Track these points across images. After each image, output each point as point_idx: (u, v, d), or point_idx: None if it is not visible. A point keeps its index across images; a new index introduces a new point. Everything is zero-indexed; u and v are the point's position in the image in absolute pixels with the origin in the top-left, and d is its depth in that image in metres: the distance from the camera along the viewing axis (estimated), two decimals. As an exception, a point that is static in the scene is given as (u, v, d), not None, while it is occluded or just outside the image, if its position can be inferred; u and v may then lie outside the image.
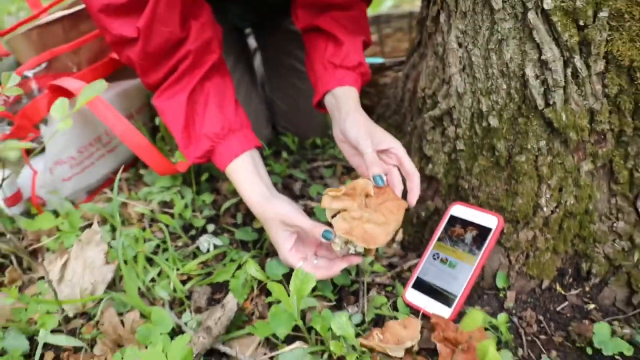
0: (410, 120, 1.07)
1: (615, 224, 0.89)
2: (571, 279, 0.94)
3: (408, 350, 0.82)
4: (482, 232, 0.91)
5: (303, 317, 0.93)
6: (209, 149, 0.96)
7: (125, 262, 0.89)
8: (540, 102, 0.82)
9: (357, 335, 0.86)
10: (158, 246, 1.08)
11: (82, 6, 1.16)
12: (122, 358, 0.79)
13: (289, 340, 0.88)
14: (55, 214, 1.13)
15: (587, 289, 0.93)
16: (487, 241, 0.90)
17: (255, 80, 1.40)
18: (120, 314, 0.91)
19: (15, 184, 1.09)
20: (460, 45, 0.87)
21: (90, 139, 1.18)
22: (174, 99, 0.93)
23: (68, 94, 1.05)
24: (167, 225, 1.09)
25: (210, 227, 1.15)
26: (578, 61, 0.77)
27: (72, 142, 1.13)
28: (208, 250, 1.08)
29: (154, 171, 1.11)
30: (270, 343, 0.90)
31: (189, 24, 0.91)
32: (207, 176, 1.22)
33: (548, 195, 0.88)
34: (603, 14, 0.73)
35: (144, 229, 1.08)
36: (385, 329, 0.83)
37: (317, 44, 0.99)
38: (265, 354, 0.87)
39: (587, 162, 0.86)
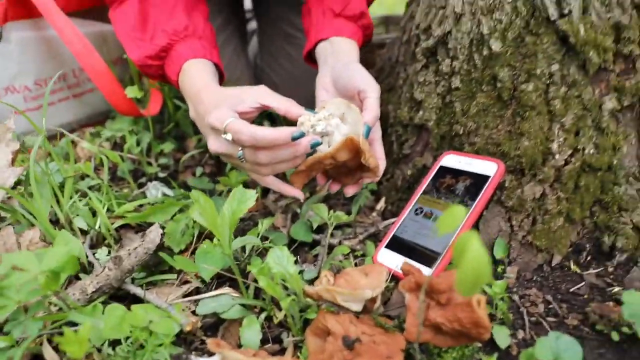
0: (403, 72, 0.93)
1: (647, 185, 0.70)
2: (589, 257, 0.74)
3: (368, 308, 0.61)
4: (478, 180, 0.73)
5: (244, 268, 0.74)
6: (165, 46, 0.82)
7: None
8: (552, 12, 0.67)
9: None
10: (98, 187, 0.93)
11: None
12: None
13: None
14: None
15: (610, 268, 0.72)
16: (484, 190, 0.72)
17: (244, 46, 1.31)
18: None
19: (-45, 103, 0.98)
20: (459, -45, 0.75)
21: (52, 74, 1.07)
22: (126, 2, 0.82)
23: (32, 10, 0.96)
24: (113, 165, 0.94)
25: (164, 177, 0.99)
26: (600, -43, 0.63)
27: (29, 69, 1.02)
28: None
29: (111, 104, 0.98)
30: (201, 294, 0.71)
31: None
32: (172, 127, 1.08)
33: (561, 139, 0.71)
34: None
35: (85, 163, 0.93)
36: (341, 275, 0.64)
37: None
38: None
39: (610, 98, 0.69)
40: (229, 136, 0.67)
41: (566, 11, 0.66)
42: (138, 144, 0.99)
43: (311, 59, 0.92)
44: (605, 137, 0.71)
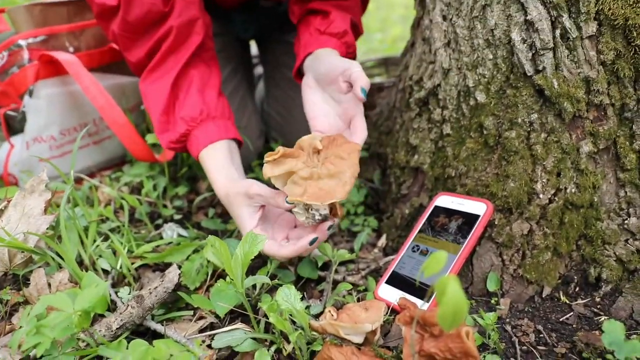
0: (400, 117, 1.01)
1: (626, 221, 0.76)
2: (577, 288, 0.79)
3: (368, 340, 0.67)
4: (469, 219, 0.80)
5: (255, 304, 0.79)
6: (184, 132, 0.92)
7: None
8: (528, 69, 0.75)
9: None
10: (118, 229, 1.00)
11: None
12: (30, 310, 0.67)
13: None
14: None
15: (597, 299, 0.77)
16: (474, 228, 0.78)
17: (252, 92, 1.40)
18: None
19: (-12, 154, 1.07)
20: (444, 18, 0.84)
21: (76, 124, 1.16)
22: (158, 82, 0.92)
23: (60, 68, 1.06)
24: (132, 208, 1.02)
25: (179, 219, 1.06)
26: (567, 21, 0.72)
27: (55, 120, 1.12)
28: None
29: (130, 153, 1.06)
30: (215, 329, 0.76)
31: (174, 1, 0.91)
32: (186, 171, 1.16)
33: (544, 180, 0.78)
34: (590, -34, 0.69)
35: (106, 207, 1.01)
36: (343, 310, 0.69)
37: (307, 20, 0.98)
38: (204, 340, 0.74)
39: (587, 143, 0.76)
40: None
41: (540, 68, 0.74)
42: (155, 188, 1.07)
43: (300, 77, 1.00)
44: (584, 177, 0.77)
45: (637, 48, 0.70)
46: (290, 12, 1.07)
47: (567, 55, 0.73)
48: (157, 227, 1.04)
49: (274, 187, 0.79)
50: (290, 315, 0.67)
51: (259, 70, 1.65)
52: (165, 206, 1.09)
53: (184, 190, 1.11)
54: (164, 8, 0.90)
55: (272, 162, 0.74)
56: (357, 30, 1.00)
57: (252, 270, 0.89)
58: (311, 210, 0.75)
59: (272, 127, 1.37)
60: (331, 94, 0.86)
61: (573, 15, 0.72)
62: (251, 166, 1.29)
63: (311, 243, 0.77)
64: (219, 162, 0.90)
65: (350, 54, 0.96)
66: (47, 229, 0.80)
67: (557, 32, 0.73)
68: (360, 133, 0.80)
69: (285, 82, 1.32)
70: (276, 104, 1.34)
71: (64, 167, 1.16)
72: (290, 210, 0.79)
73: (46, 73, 1.06)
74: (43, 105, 1.08)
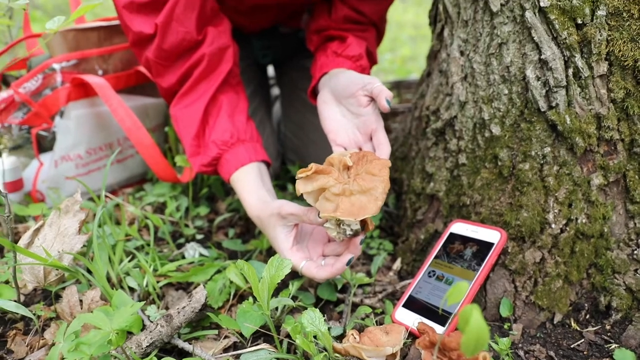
0: (415, 145, 1.05)
1: (635, 251, 0.80)
2: (588, 315, 0.82)
3: (389, 362, 0.70)
4: (483, 247, 0.83)
5: (277, 324, 0.83)
6: (216, 156, 0.96)
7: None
8: (542, 105, 0.79)
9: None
10: (142, 247, 1.03)
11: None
12: (67, 328, 0.71)
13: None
14: (50, 210, 1.12)
15: (607, 326, 0.79)
16: (489, 256, 0.81)
17: (270, 113, 1.45)
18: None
19: (19, 171, 1.11)
20: (462, 53, 0.88)
21: (101, 143, 1.21)
22: (190, 107, 0.96)
23: (89, 90, 1.10)
24: (155, 227, 1.06)
25: (201, 238, 1.10)
26: (579, 61, 0.76)
27: (83, 140, 1.16)
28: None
29: (154, 173, 1.11)
30: (238, 348, 0.79)
31: (206, 30, 0.97)
32: (206, 191, 1.20)
33: (556, 210, 0.81)
34: (601, 12, 0.73)
35: (130, 225, 1.04)
36: (365, 333, 0.73)
37: (325, 45, 1.03)
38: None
39: (597, 175, 0.80)
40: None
41: (554, 104, 0.78)
42: (177, 209, 1.11)
43: (314, 96, 1.04)
44: (595, 208, 0.81)
45: (646, 88, 0.74)
46: (308, 40, 1.12)
47: (579, 93, 0.77)
48: (179, 246, 1.08)
49: (304, 204, 0.83)
50: (314, 337, 0.71)
51: (275, 91, 1.70)
52: (187, 226, 1.12)
53: (205, 211, 1.15)
54: (198, 37, 0.95)
55: (304, 178, 0.77)
56: (372, 58, 1.05)
57: (274, 291, 0.93)
58: (343, 225, 0.78)
59: (288, 148, 1.41)
60: (348, 107, 0.89)
61: (585, 56, 0.76)
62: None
63: (348, 263, 0.80)
64: (250, 184, 0.94)
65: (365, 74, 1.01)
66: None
67: (570, 70, 0.77)
68: (385, 148, 0.83)
69: (302, 105, 1.36)
70: (293, 126, 1.39)
71: (90, 185, 1.20)
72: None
73: (77, 95, 1.11)
74: (72, 125, 1.12)
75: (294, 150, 1.39)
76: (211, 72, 0.99)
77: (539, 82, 0.79)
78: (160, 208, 1.16)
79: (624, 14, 0.73)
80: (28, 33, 1.15)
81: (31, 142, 1.11)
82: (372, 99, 0.86)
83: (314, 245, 0.87)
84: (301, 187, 0.77)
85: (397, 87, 1.80)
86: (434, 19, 0.99)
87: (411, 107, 1.15)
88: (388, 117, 1.42)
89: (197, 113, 0.97)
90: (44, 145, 1.14)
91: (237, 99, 1.03)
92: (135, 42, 0.96)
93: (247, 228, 1.16)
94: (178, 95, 0.99)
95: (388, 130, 1.39)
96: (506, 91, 0.83)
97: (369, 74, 1.03)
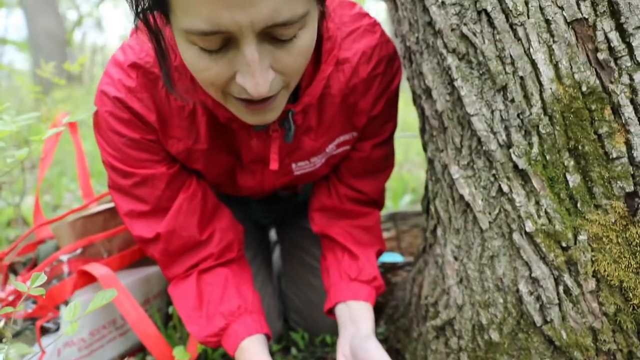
0: (416, 326, 1.06)
1: None
2: None
3: None
4: None
5: None
6: (223, 326, 0.97)
7: None
8: (537, 319, 0.82)
9: None
10: None
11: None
12: None
13: None
14: (49, 400, 1.10)
15: None
16: None
17: (271, 274, 1.46)
18: None
19: (20, 364, 1.10)
20: (455, 258, 0.93)
21: (105, 322, 1.21)
22: (184, 281, 1.00)
23: (93, 277, 1.13)
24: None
25: None
26: (568, 279, 0.80)
27: (86, 323, 1.17)
28: None
29: (156, 361, 1.10)
30: None
31: (211, 229, 1.02)
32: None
33: None
34: (582, 237, 0.78)
35: None
36: None
37: (334, 250, 1.09)
38: None
39: (600, 388, 0.80)
40: None
41: (549, 319, 0.81)
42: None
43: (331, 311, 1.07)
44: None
45: (634, 306, 0.78)
46: (311, 220, 1.17)
47: (572, 308, 0.80)
48: None
49: None
50: None
51: (273, 234, 1.73)
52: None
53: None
54: (201, 237, 1.00)
55: None
56: (381, 253, 1.11)
57: None
58: None
59: (290, 308, 1.42)
60: None
61: (573, 274, 0.80)
62: (272, 351, 1.32)
63: None
64: (258, 354, 0.94)
65: (380, 292, 1.07)
66: None
67: (561, 288, 0.81)
68: None
69: (302, 267, 1.39)
70: (294, 286, 1.41)
71: (90, 366, 1.19)
72: None
73: (82, 283, 1.13)
74: (77, 312, 1.13)
75: (295, 310, 1.40)
76: (217, 264, 1.03)
77: (532, 296, 0.83)
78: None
79: (604, 239, 0.78)
80: (38, 218, 1.20)
81: (34, 331, 1.12)
82: None
83: None
84: None
85: (392, 219, 1.85)
86: (426, 210, 1.05)
87: (408, 280, 1.18)
88: (389, 270, 1.45)
89: (192, 283, 1.00)
90: (47, 331, 1.15)
91: (241, 272, 1.06)
92: (138, 241, 1.01)
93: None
94: (180, 277, 1.02)
95: (389, 282, 1.40)
96: (501, 300, 0.86)
97: (384, 288, 1.08)
